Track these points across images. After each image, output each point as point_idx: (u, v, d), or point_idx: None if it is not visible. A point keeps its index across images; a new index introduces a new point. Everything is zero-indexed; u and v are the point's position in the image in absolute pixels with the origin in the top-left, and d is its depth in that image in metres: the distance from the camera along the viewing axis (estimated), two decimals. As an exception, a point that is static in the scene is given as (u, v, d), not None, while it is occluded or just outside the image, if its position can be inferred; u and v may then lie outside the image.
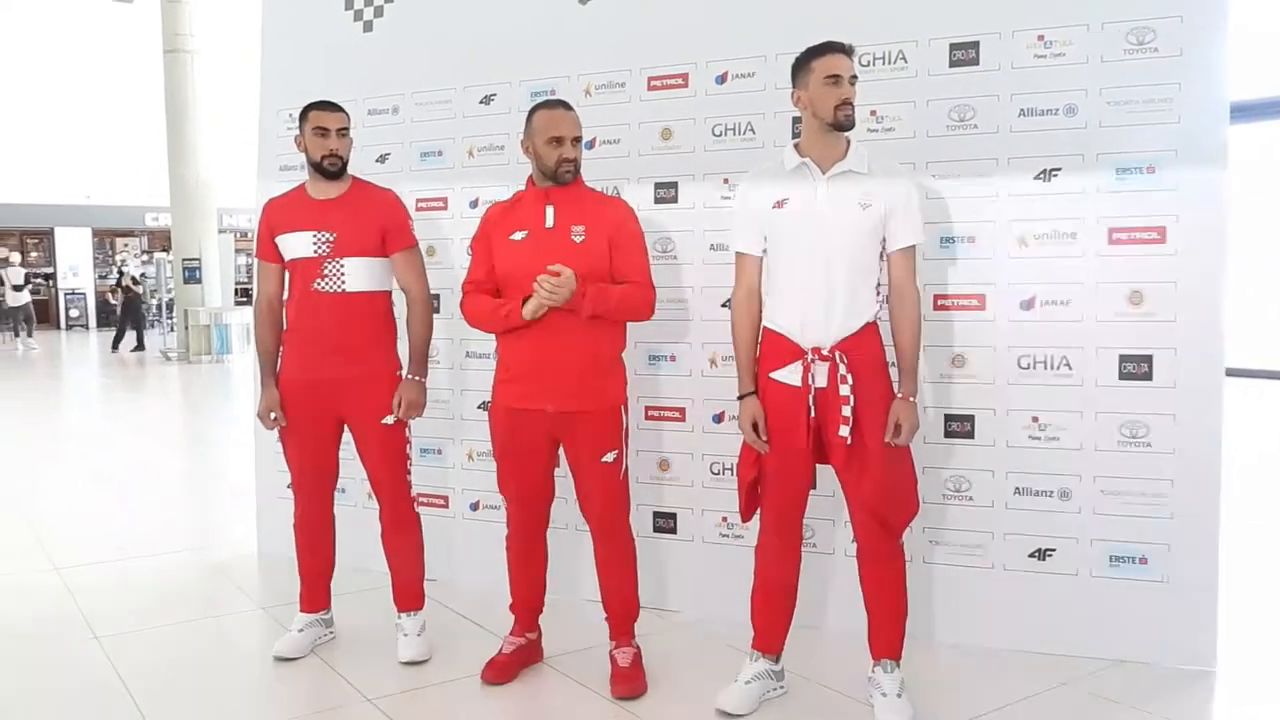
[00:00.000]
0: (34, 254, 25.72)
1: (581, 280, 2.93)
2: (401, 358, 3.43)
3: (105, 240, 26.43)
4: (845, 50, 2.84)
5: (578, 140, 3.07)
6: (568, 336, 2.99)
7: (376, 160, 4.32)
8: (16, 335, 19.20)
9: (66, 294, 24.94)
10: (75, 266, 25.22)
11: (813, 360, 2.82)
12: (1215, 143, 3.20)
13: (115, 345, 17.96)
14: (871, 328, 2.88)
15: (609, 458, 3.09)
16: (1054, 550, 3.37)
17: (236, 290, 17.65)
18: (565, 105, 3.12)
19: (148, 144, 19.93)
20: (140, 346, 17.86)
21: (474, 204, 4.13)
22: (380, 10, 4.39)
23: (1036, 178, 3.35)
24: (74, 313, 24.94)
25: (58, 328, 24.55)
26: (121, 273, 19.05)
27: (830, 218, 2.83)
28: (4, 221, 24.30)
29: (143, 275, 20.16)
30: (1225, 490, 3.25)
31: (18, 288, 19.02)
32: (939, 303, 3.45)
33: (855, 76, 2.85)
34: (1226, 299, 3.20)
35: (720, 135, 3.74)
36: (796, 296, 2.86)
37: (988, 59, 3.40)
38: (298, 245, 3.31)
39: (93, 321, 24.89)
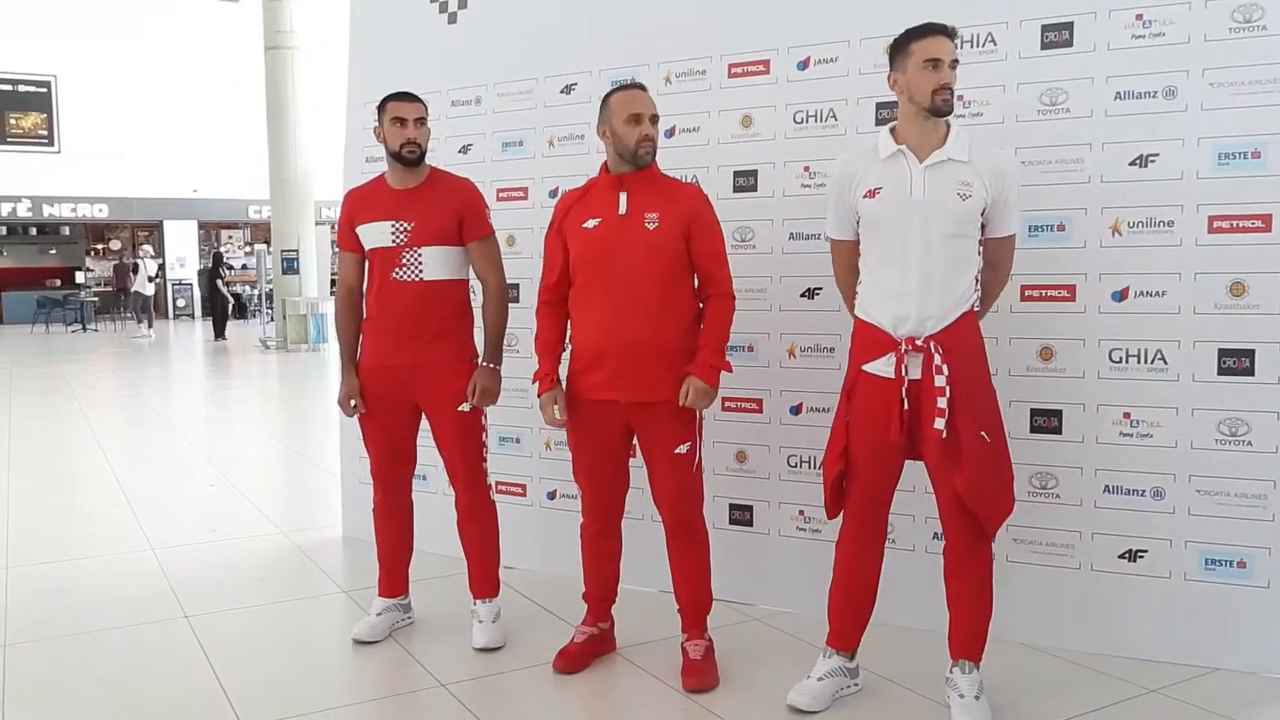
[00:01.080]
0: (145, 246, 26.75)
1: (700, 369, 2.99)
2: (478, 346, 3.45)
3: (211, 233, 27.31)
4: (948, 33, 2.75)
5: (655, 119, 3.05)
6: (638, 326, 2.97)
7: (459, 151, 4.36)
8: (139, 322, 20.05)
9: (174, 284, 25.85)
10: (183, 258, 26.12)
11: (906, 351, 2.74)
12: (1327, 126, 3.03)
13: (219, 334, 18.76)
14: (969, 317, 2.78)
15: (682, 449, 3.06)
16: (1145, 551, 3.24)
17: (333, 281, 18.04)
18: (640, 86, 3.11)
19: (251, 139, 20.53)
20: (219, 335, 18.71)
21: (553, 193, 4.12)
22: (464, 2, 4.42)
23: (1132, 163, 3.21)
24: (181, 302, 25.88)
25: (166, 317, 25.47)
26: (218, 262, 19.83)
27: (927, 208, 2.73)
28: (117, 215, 25.32)
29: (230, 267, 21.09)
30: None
31: (151, 278, 20.07)
32: (1026, 294, 3.34)
33: (956, 61, 2.76)
34: (1336, 291, 3.03)
35: (801, 122, 3.68)
36: (890, 288, 2.78)
37: (1082, 40, 3.27)
38: (376, 235, 3.35)
39: (198, 311, 25.79)
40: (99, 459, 7.02)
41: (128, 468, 6.66)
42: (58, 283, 25.31)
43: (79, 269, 25.65)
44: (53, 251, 26.51)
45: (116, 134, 23.58)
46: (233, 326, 20.00)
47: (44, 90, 24.01)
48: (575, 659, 3.23)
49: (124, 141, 23.61)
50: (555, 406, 3.16)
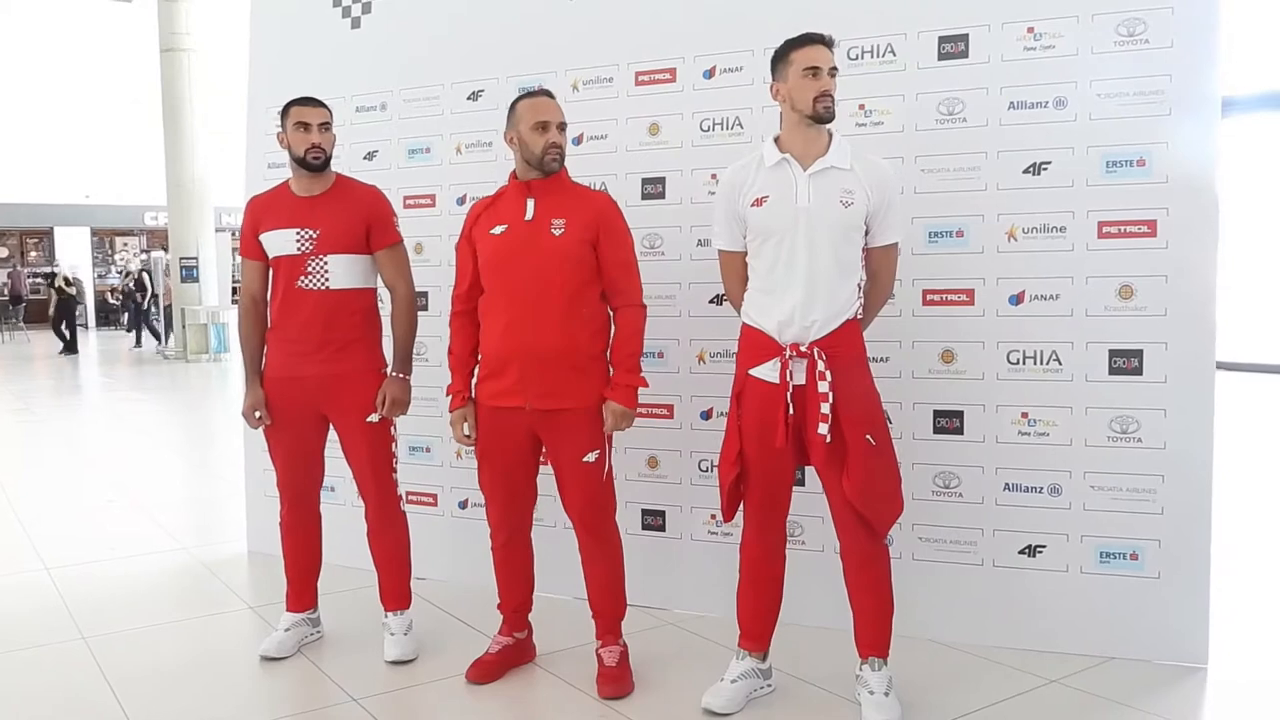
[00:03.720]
0: (34, 253, 25.76)
1: (617, 392, 3.01)
2: (387, 355, 3.41)
3: (105, 239, 26.44)
4: (825, 42, 2.81)
5: (563, 127, 3.05)
6: (545, 333, 2.96)
7: (364, 157, 4.30)
8: None
9: (67, 293, 24.92)
10: (75, 266, 25.18)
11: (791, 357, 2.79)
12: (1207, 135, 3.17)
13: (66, 348, 17.51)
14: (852, 325, 2.85)
15: (590, 458, 3.06)
16: (1044, 546, 3.35)
17: (233, 289, 17.60)
18: (548, 93, 3.10)
19: (147, 143, 19.90)
20: (72, 349, 17.46)
21: (461, 201, 4.10)
22: (368, 7, 4.37)
23: (1026, 171, 3.32)
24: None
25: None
26: (53, 273, 18.61)
27: (811, 215, 2.79)
28: (4, 221, 24.32)
29: (74, 277, 19.47)
30: (1216, 485, 3.22)
31: None
32: (928, 298, 3.43)
33: (835, 69, 2.82)
34: (1217, 292, 3.18)
35: (708, 130, 3.72)
36: (776, 294, 2.83)
37: (977, 52, 3.37)
38: (281, 242, 3.29)
39: (92, 320, 24.92)
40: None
41: (18, 483, 6.39)
42: (-62, 292, 24.23)
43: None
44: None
45: (2, 137, 22.65)
46: (130, 336, 19.37)
47: (-77, 91, 22.96)
48: (489, 669, 3.21)
49: (11, 145, 22.70)
50: (465, 424, 3.14)
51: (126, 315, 19.33)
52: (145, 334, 18.89)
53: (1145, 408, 3.22)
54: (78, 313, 19.04)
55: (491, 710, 3.08)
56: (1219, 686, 3.13)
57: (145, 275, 19.39)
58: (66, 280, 18.44)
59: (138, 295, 19.24)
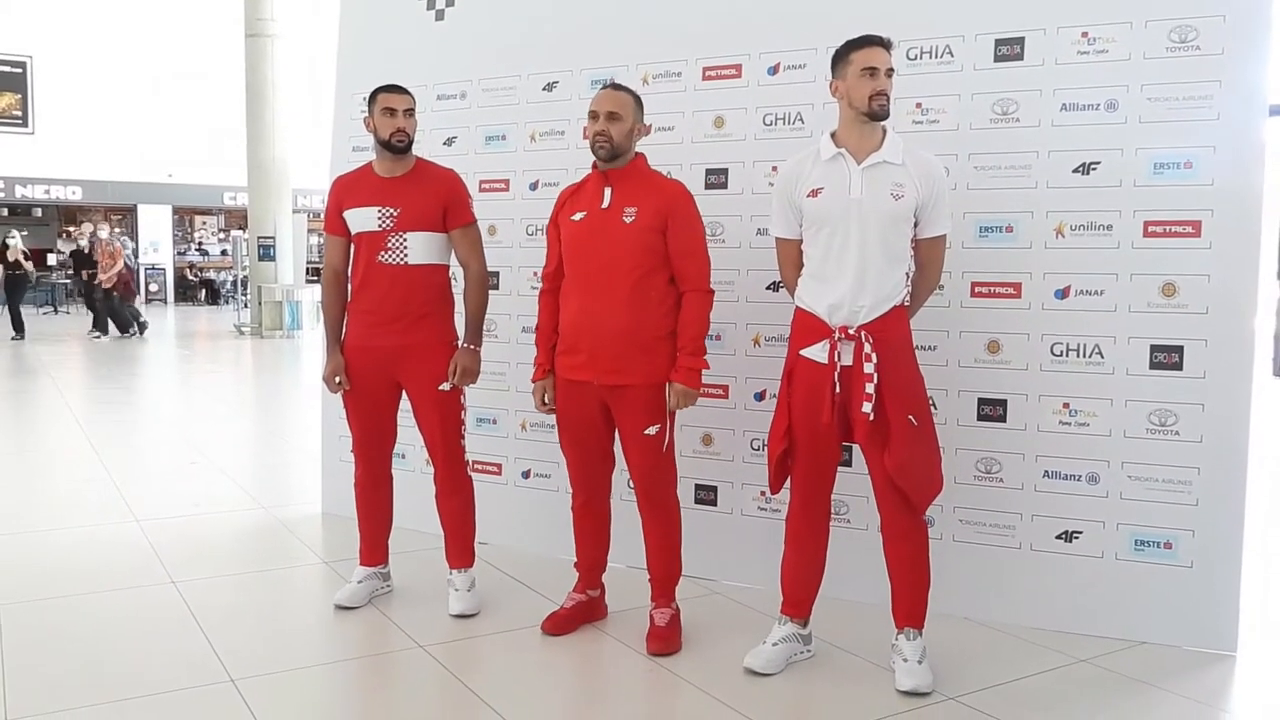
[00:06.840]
0: (117, 229, 26.62)
1: (681, 374, 3.20)
2: (458, 329, 3.64)
3: (185, 218, 27.25)
4: (884, 44, 2.97)
5: (613, 115, 3.19)
6: (611, 314, 3.18)
7: (444, 143, 4.53)
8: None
9: (147, 269, 25.77)
10: (156, 243, 26.06)
11: (839, 339, 2.96)
12: (1253, 141, 3.26)
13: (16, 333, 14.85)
14: (900, 311, 3.01)
15: (651, 431, 3.25)
16: (1080, 532, 3.47)
17: (308, 269, 18.10)
18: (615, 86, 3.29)
19: (228, 125, 20.51)
20: (19, 334, 14.86)
21: (534, 186, 4.32)
22: (451, 0, 4.59)
23: (1075, 170, 3.44)
24: (154, 287, 25.79)
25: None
26: (6, 245, 15.48)
27: (863, 206, 2.96)
28: (91, 198, 25.17)
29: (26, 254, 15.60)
30: (1250, 480, 3.32)
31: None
32: (976, 290, 3.56)
33: (892, 70, 2.97)
34: (1258, 293, 3.27)
35: (771, 124, 3.89)
36: (828, 280, 3.00)
37: (1032, 54, 3.49)
38: (364, 219, 3.53)
39: (171, 296, 25.78)
40: (79, 437, 7.12)
41: (108, 446, 6.77)
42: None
43: (51, 251, 25.48)
44: (24, 233, 26.32)
45: (92, 116, 23.46)
46: (206, 312, 19.97)
47: (19, 71, 23.85)
48: (562, 622, 3.44)
49: (99, 124, 23.49)
50: (545, 394, 3.38)
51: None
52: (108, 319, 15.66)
53: (1184, 402, 3.33)
54: (89, 294, 16.40)
55: (545, 660, 3.29)
56: (1247, 673, 3.24)
57: (93, 249, 16.40)
58: (25, 254, 15.91)
59: (82, 273, 16.58)
